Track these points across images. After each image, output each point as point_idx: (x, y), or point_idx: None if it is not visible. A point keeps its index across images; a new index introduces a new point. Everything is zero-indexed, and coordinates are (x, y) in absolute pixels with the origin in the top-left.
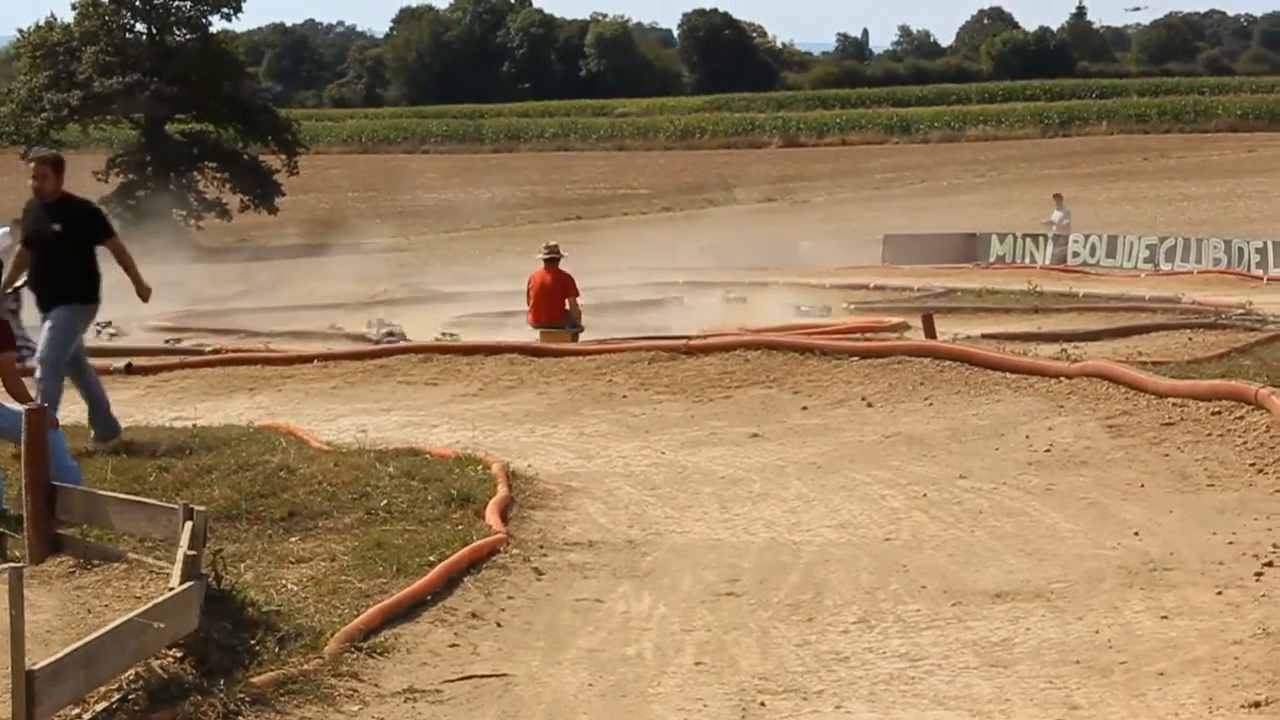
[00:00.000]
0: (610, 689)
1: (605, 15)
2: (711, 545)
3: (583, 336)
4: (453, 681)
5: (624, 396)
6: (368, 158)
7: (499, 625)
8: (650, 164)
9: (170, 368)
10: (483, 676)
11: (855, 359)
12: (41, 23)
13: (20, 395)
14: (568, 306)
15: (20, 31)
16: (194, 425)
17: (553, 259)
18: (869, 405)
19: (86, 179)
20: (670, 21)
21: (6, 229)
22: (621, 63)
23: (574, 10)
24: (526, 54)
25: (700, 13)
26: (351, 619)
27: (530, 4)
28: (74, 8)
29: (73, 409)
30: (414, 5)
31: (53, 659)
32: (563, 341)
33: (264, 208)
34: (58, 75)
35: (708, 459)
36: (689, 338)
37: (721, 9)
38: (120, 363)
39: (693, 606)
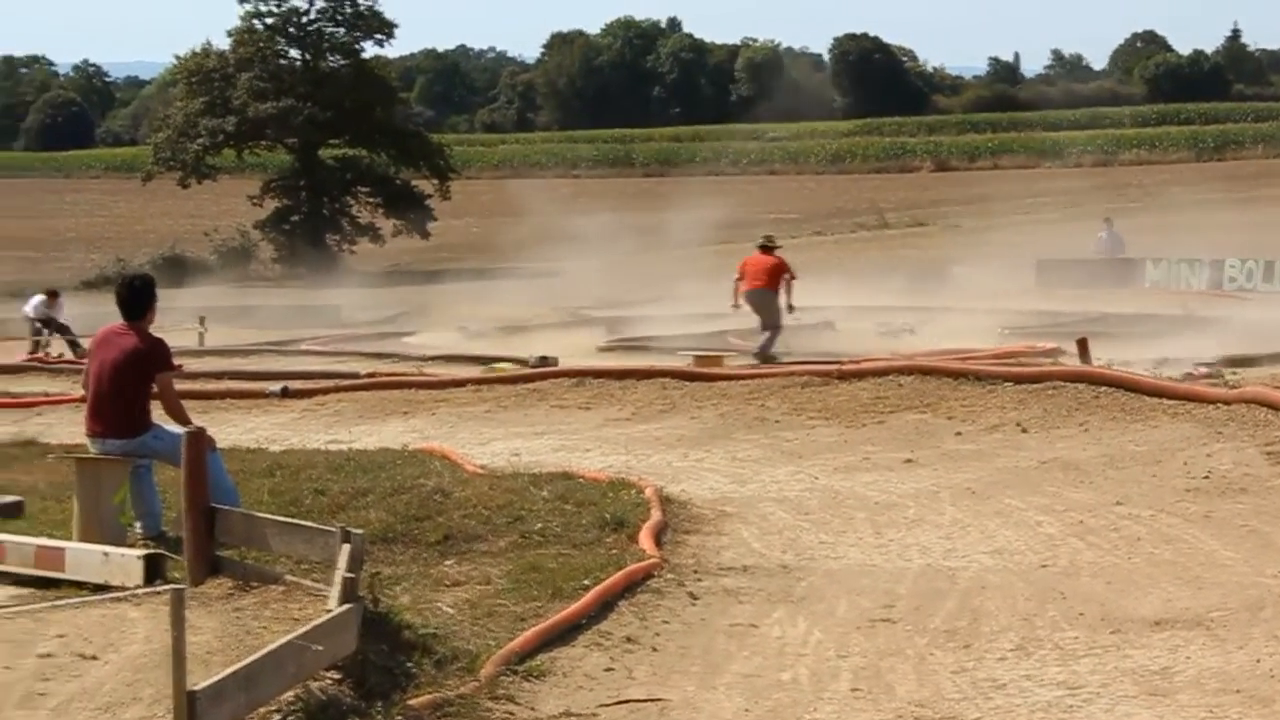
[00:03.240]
0: (766, 715)
1: (756, 40)
2: (866, 570)
3: (735, 361)
4: (609, 706)
5: (777, 421)
6: (519, 182)
7: (654, 650)
8: (801, 188)
9: (325, 391)
10: (639, 701)
11: (1009, 384)
12: (198, 49)
13: (180, 417)
14: (777, 285)
15: (177, 58)
16: (349, 448)
17: (768, 248)
18: (1024, 431)
19: (241, 204)
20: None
21: (41, 298)
22: (772, 87)
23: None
24: (677, 79)
25: (851, 37)
26: (507, 642)
27: (681, 29)
28: (230, 34)
29: (230, 430)
30: (565, 30)
31: (214, 680)
32: (718, 366)
33: (416, 232)
34: (213, 101)
35: (861, 484)
36: (842, 362)
37: (872, 33)
38: (276, 386)
39: (848, 632)
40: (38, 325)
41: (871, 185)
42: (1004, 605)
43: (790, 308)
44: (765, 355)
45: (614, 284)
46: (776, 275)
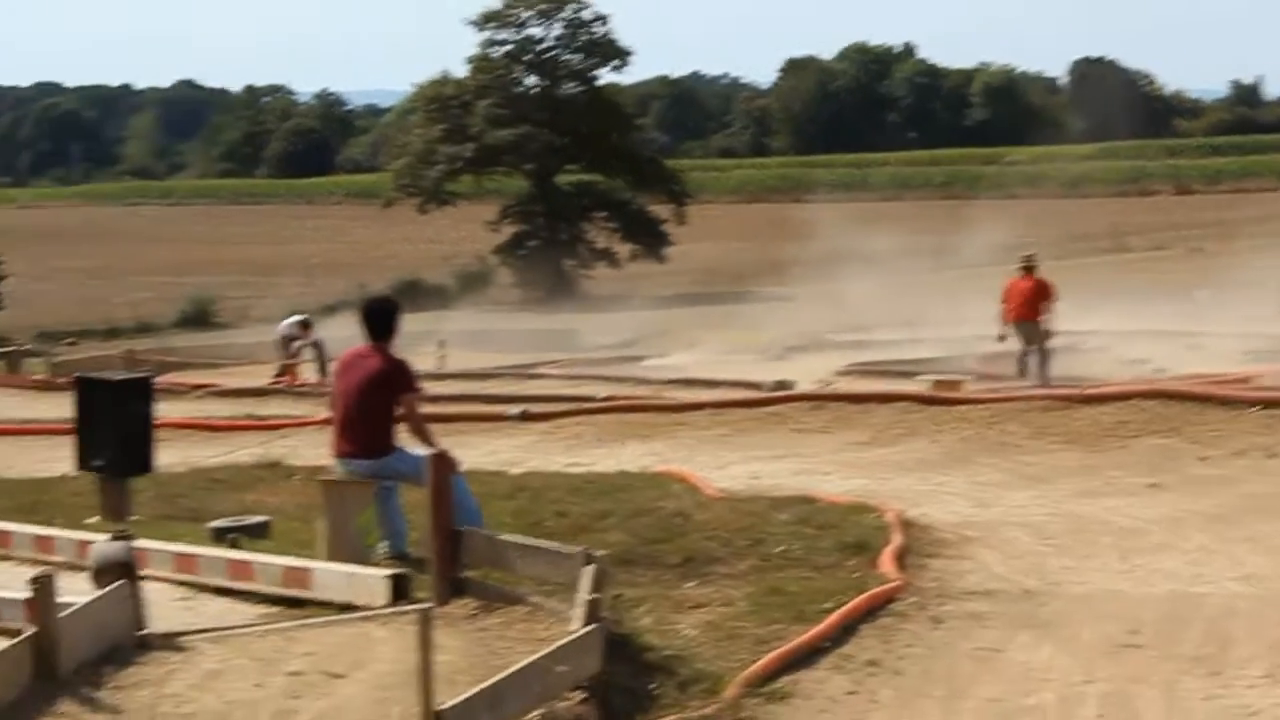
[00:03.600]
0: None
1: (991, 64)
2: (1111, 596)
3: (973, 386)
4: None
5: (1018, 446)
6: (754, 207)
7: (897, 673)
8: (1040, 212)
9: (564, 414)
10: None
11: (1256, 409)
12: (436, 77)
13: (425, 439)
14: (1042, 311)
15: (416, 86)
16: (589, 471)
17: (1029, 267)
18: (1271, 457)
19: (479, 229)
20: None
21: (293, 319)
22: (1008, 111)
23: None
24: (912, 103)
25: (1089, 61)
26: (749, 664)
27: (915, 54)
28: (468, 62)
29: (470, 453)
30: (799, 56)
31: (460, 699)
32: (957, 390)
33: (652, 257)
34: (451, 128)
35: (1105, 509)
36: (1083, 386)
37: (1110, 56)
38: (515, 409)
39: (1094, 658)
40: (290, 345)
41: (1111, 209)
42: (1253, 632)
43: (1047, 334)
44: (1044, 379)
45: (852, 309)
46: (1035, 302)
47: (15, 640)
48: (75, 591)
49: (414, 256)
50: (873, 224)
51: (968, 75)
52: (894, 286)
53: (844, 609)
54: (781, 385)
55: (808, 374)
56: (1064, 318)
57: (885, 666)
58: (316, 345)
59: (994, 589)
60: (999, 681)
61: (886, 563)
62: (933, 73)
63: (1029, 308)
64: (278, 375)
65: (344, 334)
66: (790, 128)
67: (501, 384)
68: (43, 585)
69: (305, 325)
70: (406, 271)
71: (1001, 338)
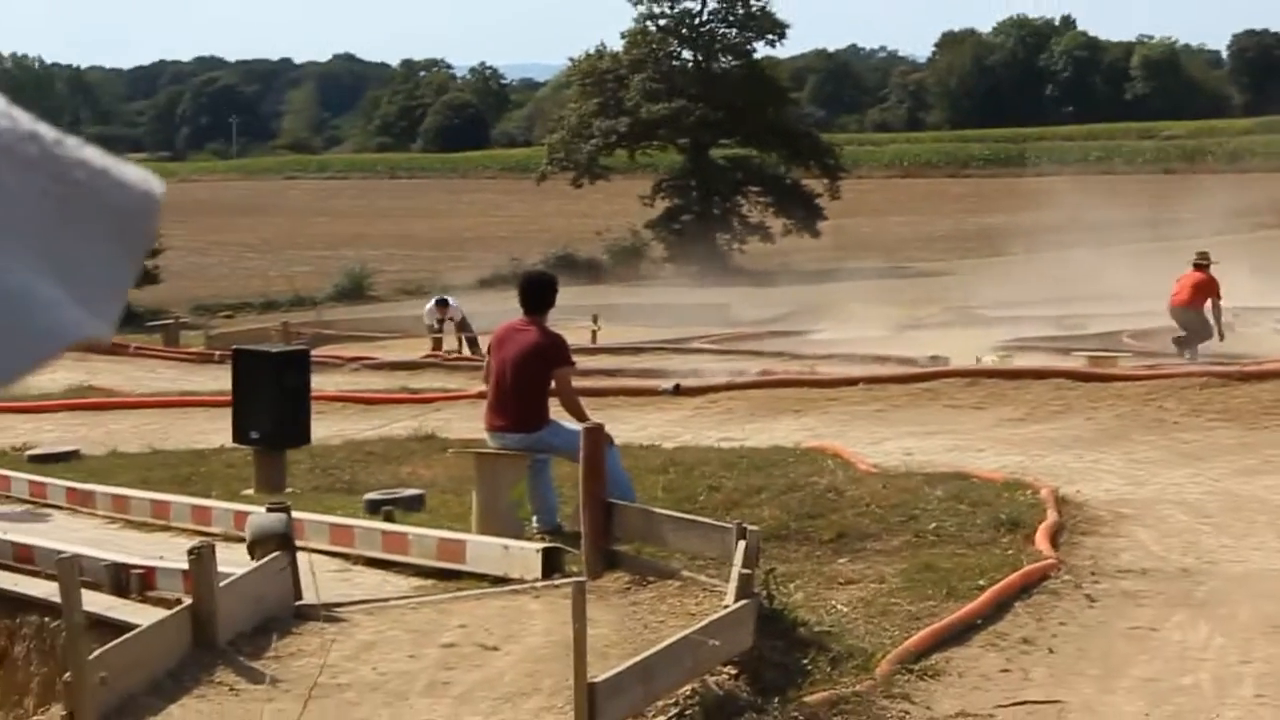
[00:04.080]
0: (1166, 719)
1: (1152, 37)
2: (1269, 575)
3: (1129, 361)
4: (1005, 707)
5: (1175, 423)
6: (909, 182)
7: (1051, 651)
8: (1198, 187)
9: (717, 389)
10: (1036, 703)
11: None
12: (592, 51)
13: (577, 413)
14: (1202, 304)
15: (571, 60)
16: (741, 445)
17: (1202, 265)
18: None
19: (633, 204)
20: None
21: (431, 304)
22: (1168, 85)
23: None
24: (1070, 77)
25: (1250, 33)
26: (902, 641)
27: (1074, 26)
28: (623, 36)
29: (623, 427)
30: (957, 29)
31: (613, 672)
32: (1111, 367)
33: (806, 231)
34: (606, 102)
35: (1263, 487)
36: (1242, 363)
37: (1274, 29)
38: (668, 383)
39: (1251, 638)
40: (434, 325)
41: (1272, 183)
42: None
43: (1220, 335)
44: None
45: (1009, 284)
46: (1200, 293)
47: (174, 610)
48: (232, 562)
49: (567, 231)
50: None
51: (1127, 48)
52: (1049, 262)
53: (998, 586)
54: (936, 360)
55: (962, 349)
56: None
57: (1039, 644)
58: (459, 323)
59: (1149, 567)
60: (1154, 661)
61: (1041, 540)
62: (1092, 46)
63: (1185, 295)
64: (433, 349)
65: (495, 308)
66: (946, 102)
67: (654, 358)
68: (201, 556)
69: (442, 305)
70: (560, 246)
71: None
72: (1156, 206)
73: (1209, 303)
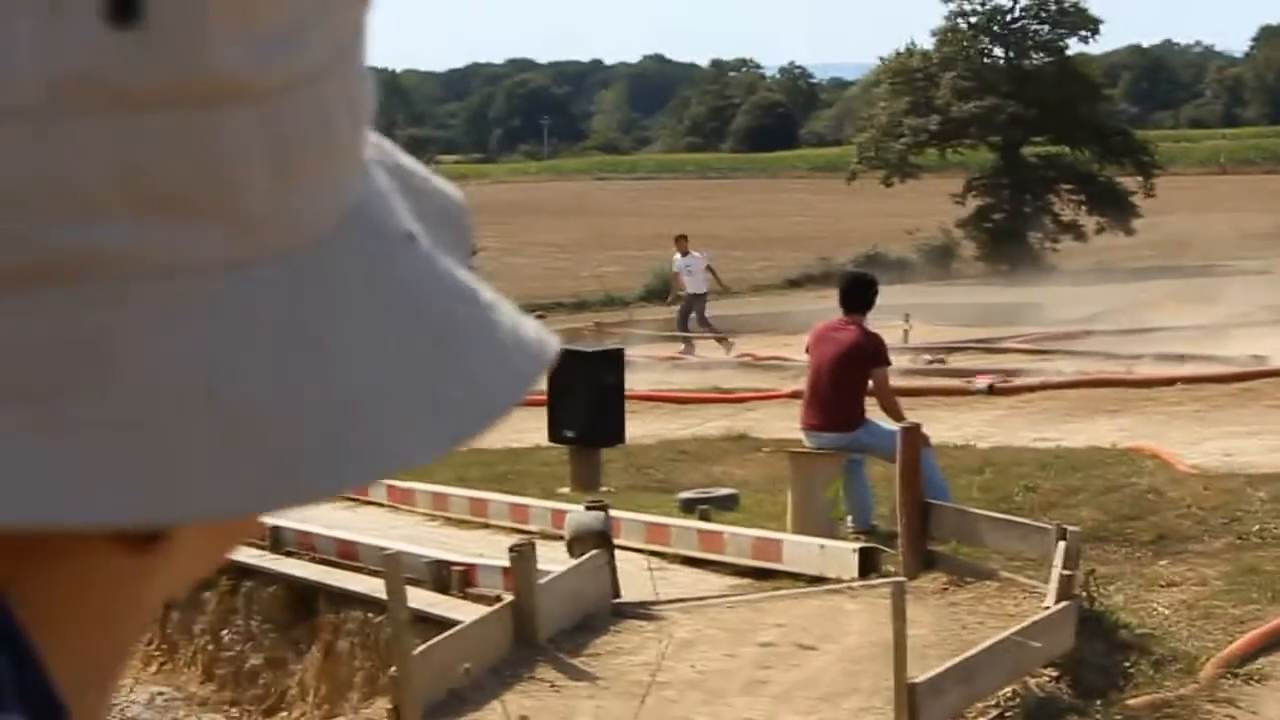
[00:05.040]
0: None
1: None
2: None
3: None
4: None
5: None
6: (1226, 178)
7: None
8: None
9: (1032, 389)
10: None
11: None
12: (902, 50)
13: (894, 413)
14: None
15: (881, 59)
16: (1057, 446)
17: None
18: None
19: (943, 202)
20: None
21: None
22: None
23: None
24: None
25: None
26: (1226, 645)
27: None
28: (933, 34)
29: (936, 427)
30: (1275, 23)
31: (933, 673)
32: None
33: (1120, 229)
34: (916, 101)
35: None
36: None
37: None
38: (983, 383)
39: None
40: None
41: None
42: None
43: None
44: None
45: None
46: None
47: (496, 606)
48: (551, 560)
49: (877, 230)
50: None
51: None
52: None
53: None
54: (1257, 360)
55: None
56: None
57: None
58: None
59: None
60: None
61: None
62: None
63: None
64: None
65: (804, 308)
66: (1264, 97)
67: (966, 357)
68: (522, 554)
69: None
70: (869, 245)
71: None
72: None
73: None
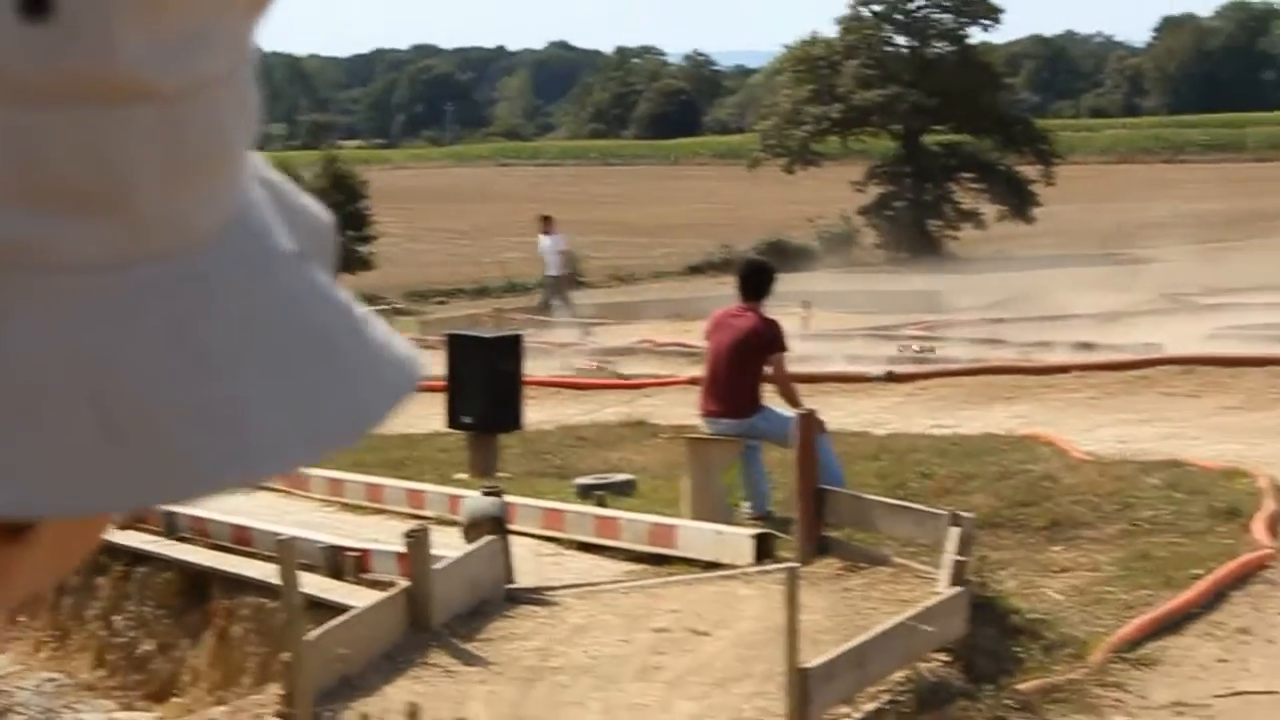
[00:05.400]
0: None
1: None
2: None
3: None
4: (1222, 697)
5: None
6: (1125, 168)
7: (1270, 641)
8: None
9: (929, 376)
10: (1254, 693)
11: None
12: (806, 38)
13: (792, 399)
14: None
15: (785, 47)
16: (954, 433)
17: None
18: None
19: (844, 190)
20: None
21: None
22: None
23: None
24: None
25: None
26: (1116, 630)
27: None
28: (837, 22)
29: (834, 414)
30: (1176, 14)
31: (825, 658)
32: None
33: (1019, 218)
34: (819, 89)
35: None
36: None
37: None
38: (880, 370)
39: None
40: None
41: None
42: None
43: None
44: None
45: (1220, 270)
46: None
47: (391, 592)
48: (446, 546)
49: (779, 217)
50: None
51: None
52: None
53: (1214, 575)
54: (1151, 348)
55: (1174, 337)
56: None
57: (1257, 634)
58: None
59: None
60: None
61: (1259, 529)
62: None
63: None
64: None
65: (707, 294)
66: (1164, 87)
67: (864, 345)
68: (417, 539)
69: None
70: (771, 232)
71: None
72: None
73: None
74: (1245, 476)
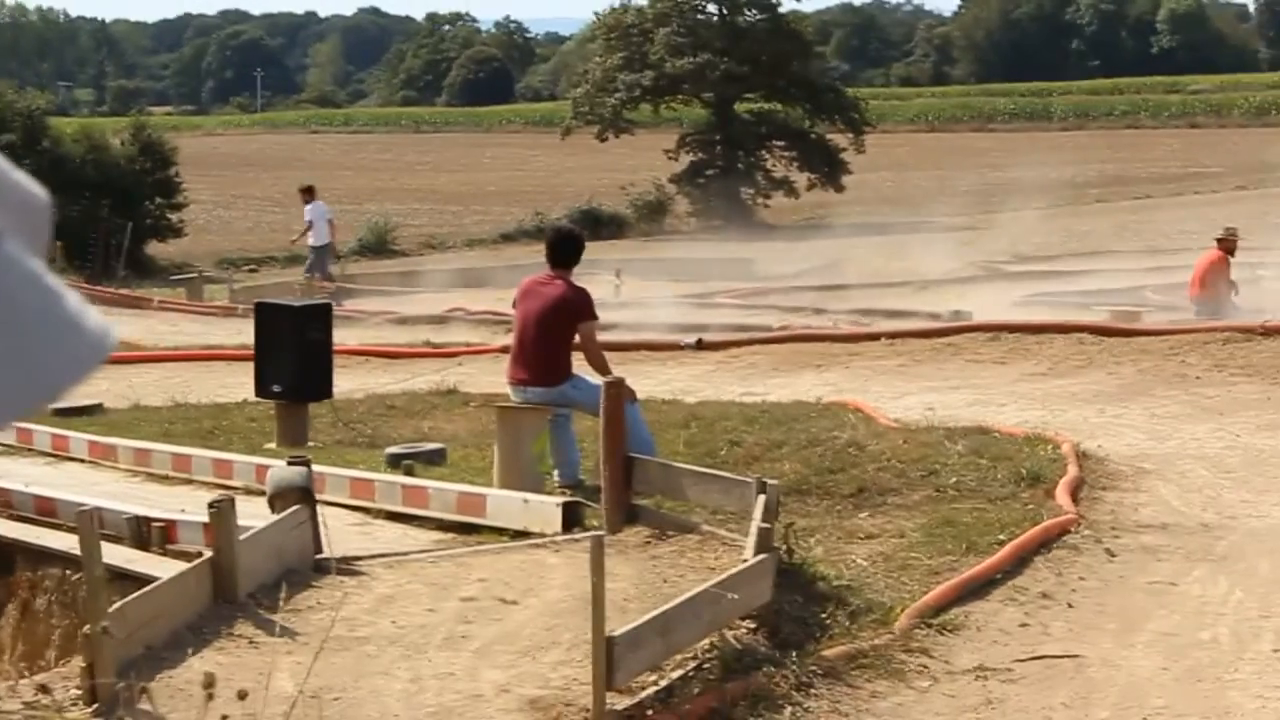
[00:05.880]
0: (1185, 674)
1: None
2: None
3: (1152, 316)
4: (1023, 661)
5: (1197, 378)
6: (935, 136)
7: (1070, 606)
8: (1223, 141)
9: (739, 344)
10: (1055, 657)
11: None
12: (617, 6)
13: (600, 367)
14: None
15: (597, 15)
16: (763, 400)
17: (1223, 240)
18: None
19: (657, 158)
20: None
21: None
22: (1195, 39)
23: None
24: (1097, 31)
25: None
26: (921, 595)
27: None
28: None
29: (645, 382)
30: None
31: (632, 626)
32: (1134, 322)
33: (831, 186)
34: (631, 56)
35: None
36: (1265, 319)
37: None
38: (691, 338)
39: (1271, 592)
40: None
41: None
42: None
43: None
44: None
45: (1029, 238)
46: (1208, 278)
47: (194, 563)
48: (253, 516)
49: (591, 185)
50: (1050, 153)
51: (1154, 2)
52: (1071, 215)
53: (1017, 541)
54: (959, 315)
55: (985, 304)
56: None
57: (1058, 599)
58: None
59: (1169, 522)
60: (1173, 615)
61: (1061, 495)
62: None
63: (1200, 287)
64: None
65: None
66: (972, 56)
67: (677, 312)
68: (222, 510)
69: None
70: (584, 200)
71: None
72: (1176, 161)
73: (1222, 283)
74: (1049, 443)
